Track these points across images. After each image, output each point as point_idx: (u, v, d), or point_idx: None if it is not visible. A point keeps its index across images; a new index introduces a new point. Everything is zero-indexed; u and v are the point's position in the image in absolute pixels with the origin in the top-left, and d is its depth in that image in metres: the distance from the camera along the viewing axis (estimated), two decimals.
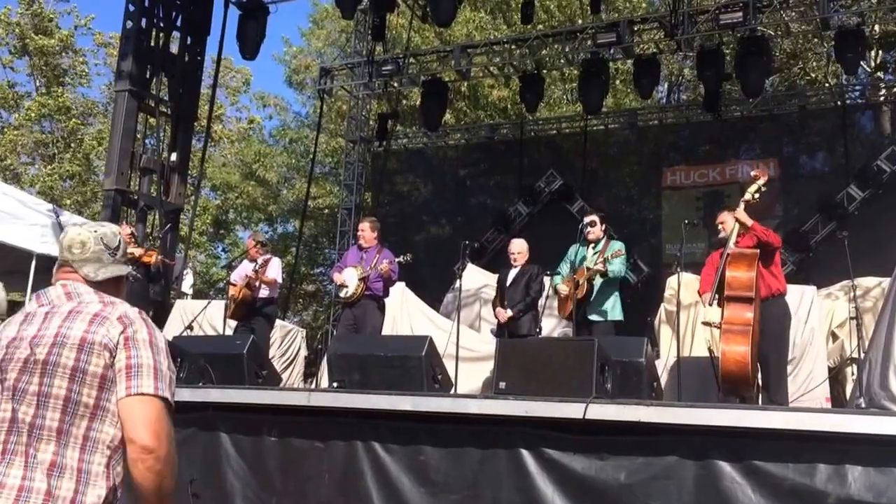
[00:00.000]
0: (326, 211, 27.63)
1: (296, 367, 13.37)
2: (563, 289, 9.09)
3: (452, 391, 7.89)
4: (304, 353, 13.87)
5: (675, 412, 5.52)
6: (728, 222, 8.15)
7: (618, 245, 9.08)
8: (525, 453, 5.87)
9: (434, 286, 15.39)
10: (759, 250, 7.87)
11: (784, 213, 17.84)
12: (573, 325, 8.89)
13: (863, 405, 6.08)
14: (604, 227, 9.37)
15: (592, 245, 9.19)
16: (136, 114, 14.02)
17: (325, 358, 8.38)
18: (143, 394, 2.72)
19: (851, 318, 9.58)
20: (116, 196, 13.55)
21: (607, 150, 20.72)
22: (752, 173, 8.16)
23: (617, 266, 8.94)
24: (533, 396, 5.92)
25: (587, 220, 9.28)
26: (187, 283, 17.08)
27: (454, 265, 16.75)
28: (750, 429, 5.23)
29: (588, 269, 8.91)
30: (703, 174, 18.80)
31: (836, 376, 10.13)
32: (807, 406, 9.32)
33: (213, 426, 7.13)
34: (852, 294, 9.73)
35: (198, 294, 23.65)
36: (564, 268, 9.31)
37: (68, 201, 28.81)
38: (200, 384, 7.59)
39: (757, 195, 7.97)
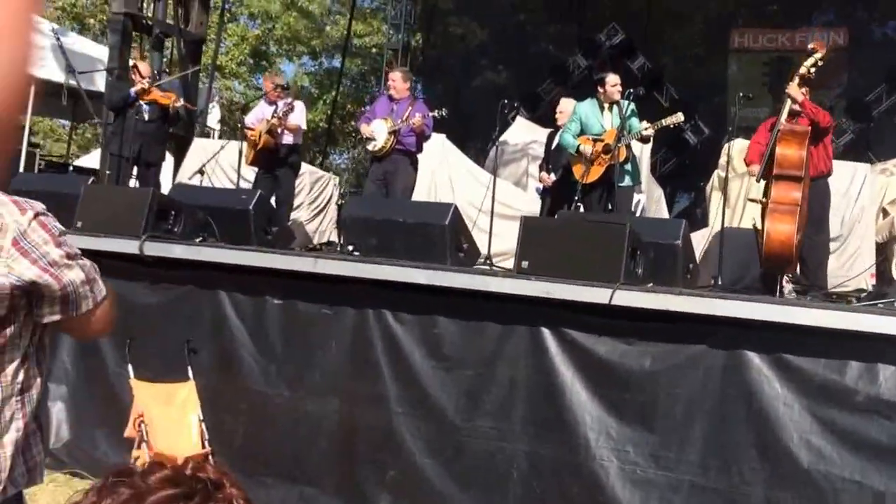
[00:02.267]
0: (374, 49, 27.08)
1: (327, 216, 13.15)
2: (587, 149, 8.91)
3: (481, 259, 7.86)
4: (336, 200, 13.66)
5: (707, 303, 5.47)
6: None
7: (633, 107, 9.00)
8: (546, 332, 5.84)
9: (488, 135, 15.11)
10: (810, 128, 7.78)
11: (849, 82, 17.63)
12: (602, 192, 8.78)
13: None
14: (620, 87, 9.14)
15: (608, 107, 9.00)
16: None
17: (340, 219, 8.26)
18: None
19: None
20: (126, 20, 12.88)
21: (674, 4, 20.09)
22: (810, 46, 8.02)
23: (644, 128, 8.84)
24: (557, 277, 5.84)
25: (612, 79, 9.06)
26: (214, 118, 16.85)
27: (510, 114, 16.61)
28: (783, 324, 5.17)
29: (627, 133, 8.73)
30: (773, 38, 18.54)
31: (882, 251, 10.08)
32: (853, 282, 9.32)
33: (212, 284, 7.03)
34: None
35: (234, 127, 23.36)
36: (574, 126, 9.11)
37: (92, 20, 28.23)
38: (199, 240, 7.46)
39: (813, 69, 7.90)
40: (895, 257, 9.42)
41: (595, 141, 8.87)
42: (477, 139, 18.37)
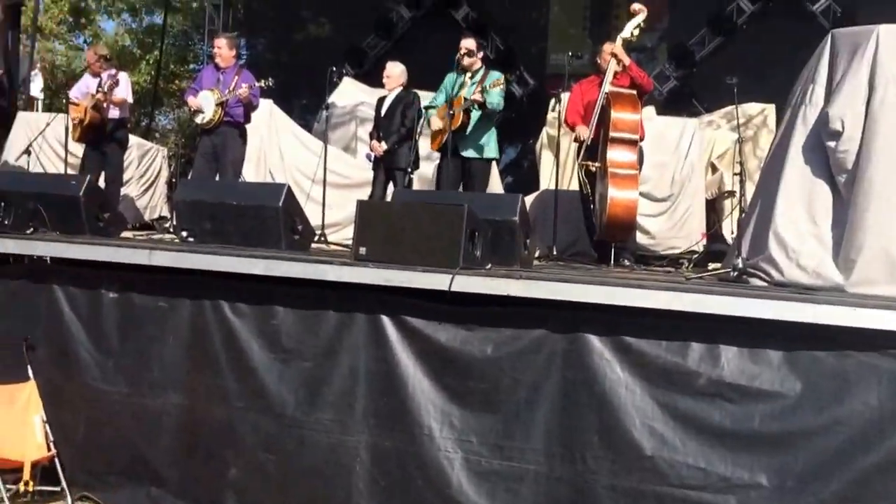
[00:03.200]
0: (195, 4, 26.20)
1: (156, 190, 12.90)
2: (437, 122, 8.83)
3: (317, 238, 7.70)
4: (165, 173, 13.32)
5: (547, 287, 5.37)
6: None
7: (497, 75, 8.75)
8: (386, 320, 5.69)
9: (315, 91, 14.69)
10: (635, 91, 7.84)
11: (669, 25, 17.34)
12: (445, 160, 8.66)
13: (739, 266, 6.07)
14: (479, 55, 8.99)
15: (470, 75, 8.82)
16: None
17: (172, 203, 8.01)
18: None
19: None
20: None
21: None
22: (632, 7, 8.03)
23: (496, 97, 8.65)
24: (396, 264, 5.70)
25: (463, 46, 8.87)
26: (37, 87, 16.19)
27: (338, 79, 16.23)
28: (623, 307, 5.11)
29: (465, 99, 8.59)
30: None
31: (713, 208, 10.21)
32: (683, 243, 9.46)
33: (46, 278, 6.78)
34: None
35: (57, 91, 22.43)
36: (440, 98, 9.03)
37: None
38: (30, 231, 7.19)
39: (637, 31, 7.96)
40: (724, 214, 9.57)
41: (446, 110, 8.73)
42: (302, 97, 17.97)
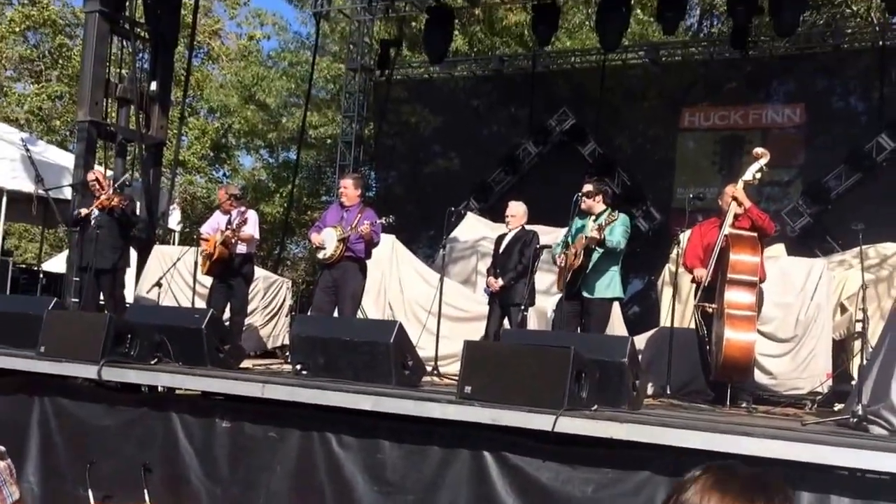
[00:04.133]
0: (329, 141, 27.21)
1: (279, 320, 13.18)
2: (559, 259, 8.89)
3: (430, 371, 7.80)
4: (289, 303, 13.70)
5: (650, 431, 5.30)
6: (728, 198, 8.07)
7: (615, 213, 8.76)
8: (489, 457, 5.71)
9: (439, 226, 15.03)
10: (756, 233, 7.79)
11: (805, 161, 17.25)
12: (562, 301, 8.71)
13: (859, 412, 5.89)
14: (598, 197, 8.92)
15: (593, 217, 8.84)
16: (110, 37, 13.37)
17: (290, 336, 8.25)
18: None
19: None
20: (91, 128, 13.01)
21: (625, 85, 19.99)
22: (755, 151, 8.08)
23: (617, 236, 8.60)
24: (501, 403, 5.71)
25: (583, 189, 8.95)
26: (174, 220, 16.86)
27: (461, 203, 16.52)
28: (728, 454, 5.01)
29: (585, 237, 8.63)
30: (724, 116, 18.17)
31: (842, 348, 9.90)
32: (807, 385, 9.20)
33: (165, 406, 7.03)
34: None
35: (196, 222, 23.43)
36: (567, 238, 9.06)
37: (58, 122, 28.48)
38: (154, 361, 7.48)
39: (759, 174, 7.93)
40: (853, 355, 9.30)
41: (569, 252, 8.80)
42: (431, 228, 18.31)
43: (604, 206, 8.91)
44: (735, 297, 7.65)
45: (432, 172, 21.91)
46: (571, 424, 5.43)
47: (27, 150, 12.97)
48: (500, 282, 9.35)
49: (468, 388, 5.95)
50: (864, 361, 6.70)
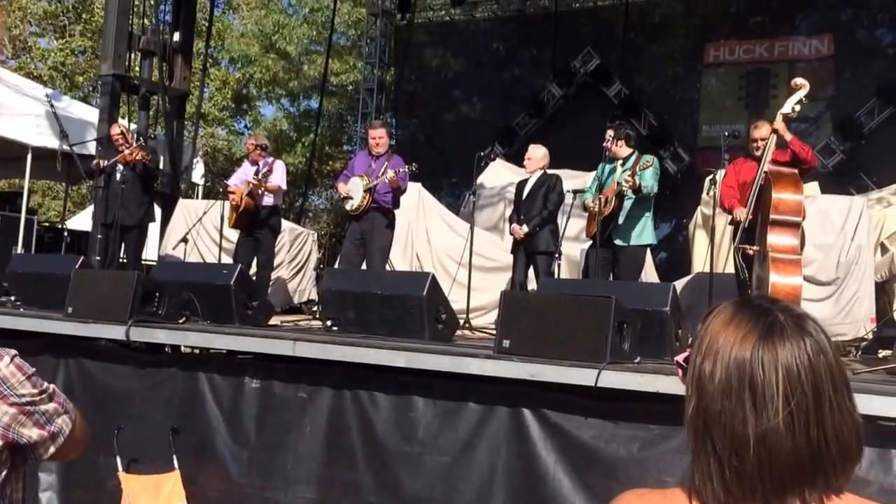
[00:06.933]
0: (351, 87, 26.82)
1: (306, 273, 12.90)
2: (590, 205, 8.55)
3: (460, 328, 7.58)
4: (315, 256, 13.42)
5: None
6: (764, 135, 7.62)
7: (648, 157, 8.41)
8: (528, 415, 5.43)
9: (465, 170, 14.73)
10: (797, 169, 7.35)
11: (836, 95, 16.64)
12: (594, 248, 8.39)
13: None
14: (620, 143, 8.56)
15: (621, 161, 8.51)
16: None
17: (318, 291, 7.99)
18: None
19: None
20: (115, 82, 12.74)
21: (649, 22, 19.34)
22: (794, 82, 7.57)
23: (649, 180, 8.21)
24: (540, 358, 5.42)
25: (607, 134, 8.61)
26: (198, 174, 16.58)
27: (485, 148, 16.14)
28: None
29: (618, 183, 8.28)
30: (750, 49, 17.54)
31: (883, 290, 9.53)
32: (850, 330, 8.85)
33: (194, 366, 6.79)
34: None
35: (218, 175, 23.25)
36: (594, 186, 8.73)
37: (81, 78, 28.26)
38: (182, 320, 7.25)
39: (797, 107, 7.43)
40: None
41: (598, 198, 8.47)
42: (453, 175, 18.01)
43: (629, 150, 8.58)
44: (779, 239, 7.21)
45: (455, 119, 21.51)
46: (615, 379, 5.15)
47: (52, 105, 12.67)
48: (525, 228, 9.02)
49: (506, 343, 5.67)
50: None
